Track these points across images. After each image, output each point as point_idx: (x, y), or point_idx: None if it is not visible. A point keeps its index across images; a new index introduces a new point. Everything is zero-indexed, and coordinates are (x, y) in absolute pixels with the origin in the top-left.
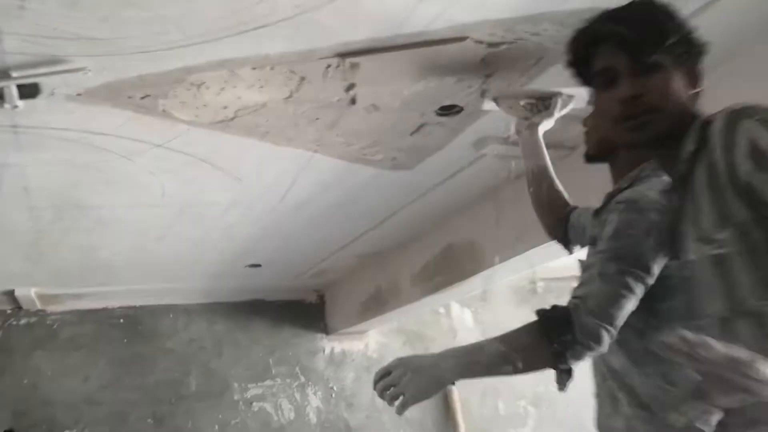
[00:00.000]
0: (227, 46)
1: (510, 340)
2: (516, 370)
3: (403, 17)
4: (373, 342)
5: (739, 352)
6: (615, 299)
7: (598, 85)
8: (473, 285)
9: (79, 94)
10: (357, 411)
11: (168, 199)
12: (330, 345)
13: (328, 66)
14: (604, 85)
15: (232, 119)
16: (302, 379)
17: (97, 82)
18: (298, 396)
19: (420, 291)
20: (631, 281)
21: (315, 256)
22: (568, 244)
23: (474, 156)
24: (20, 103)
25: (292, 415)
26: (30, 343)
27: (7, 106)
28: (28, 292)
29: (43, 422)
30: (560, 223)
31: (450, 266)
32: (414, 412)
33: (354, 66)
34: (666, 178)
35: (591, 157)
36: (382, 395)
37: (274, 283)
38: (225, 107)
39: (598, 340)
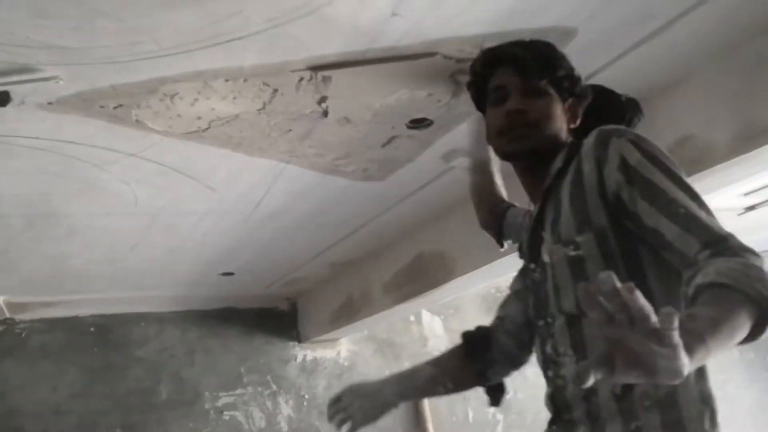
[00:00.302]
0: (201, 58)
1: (440, 363)
2: (448, 391)
3: (375, 32)
4: (345, 350)
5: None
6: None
7: (491, 102)
8: (443, 294)
9: (50, 103)
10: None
11: (141, 208)
12: (302, 353)
13: (301, 79)
14: (495, 101)
15: (206, 130)
16: (274, 387)
17: (69, 91)
18: (269, 404)
19: (391, 299)
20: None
21: (288, 264)
22: (500, 239)
23: (443, 168)
24: None
25: (263, 424)
26: None
27: None
28: None
29: None
30: (495, 218)
31: (420, 275)
32: (386, 420)
33: (326, 79)
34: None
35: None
36: (331, 420)
37: (247, 291)
38: (198, 118)
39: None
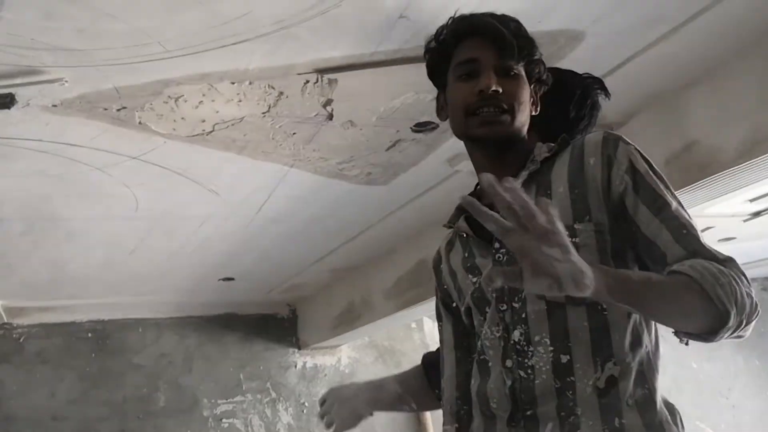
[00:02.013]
0: (206, 60)
1: (404, 382)
2: (412, 410)
3: (382, 34)
4: (346, 357)
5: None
6: None
7: (456, 76)
8: None
9: (54, 105)
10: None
11: (142, 211)
12: (302, 360)
13: (307, 82)
14: (463, 77)
15: (210, 133)
16: (273, 394)
17: (73, 93)
18: (268, 412)
19: (392, 305)
20: None
21: (289, 270)
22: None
23: (448, 172)
24: None
25: None
26: None
27: None
28: None
29: None
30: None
31: (422, 281)
32: (385, 428)
33: (332, 82)
34: None
35: None
36: (321, 421)
37: (247, 297)
38: (203, 121)
39: None
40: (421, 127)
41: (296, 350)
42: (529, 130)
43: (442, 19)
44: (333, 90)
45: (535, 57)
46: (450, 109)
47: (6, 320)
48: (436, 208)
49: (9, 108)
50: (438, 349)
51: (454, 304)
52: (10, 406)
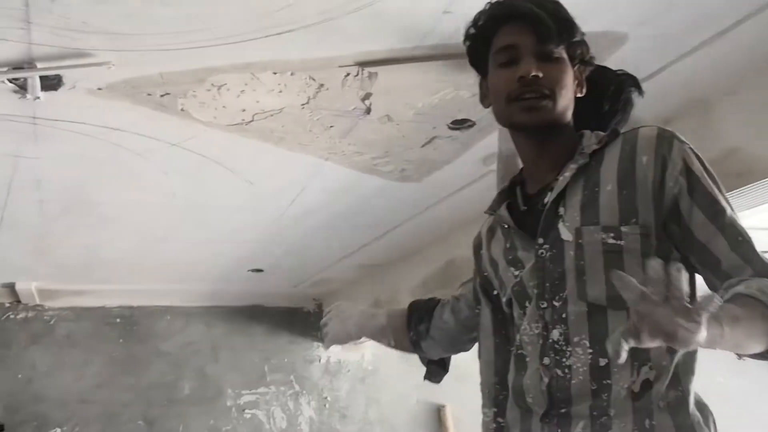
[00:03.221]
0: (251, 49)
1: (391, 318)
2: (390, 346)
3: (425, 29)
4: (369, 354)
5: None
6: None
7: (496, 63)
8: None
9: (99, 89)
10: (350, 423)
11: (177, 199)
12: (326, 354)
13: (347, 74)
14: (504, 62)
15: (249, 123)
16: (296, 387)
17: (118, 77)
18: (291, 405)
19: None
20: None
21: (317, 264)
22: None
23: (482, 171)
24: (42, 94)
25: (284, 424)
26: (26, 337)
27: (29, 96)
28: (29, 286)
29: (35, 419)
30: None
31: (451, 282)
32: (406, 425)
33: (372, 75)
34: None
35: None
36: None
37: (275, 289)
38: (243, 110)
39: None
40: (458, 124)
41: (321, 344)
42: (614, 130)
43: None
44: (373, 84)
45: (576, 38)
46: (492, 97)
47: (38, 302)
48: (469, 208)
49: (56, 90)
50: (430, 298)
51: (495, 292)
52: (39, 387)
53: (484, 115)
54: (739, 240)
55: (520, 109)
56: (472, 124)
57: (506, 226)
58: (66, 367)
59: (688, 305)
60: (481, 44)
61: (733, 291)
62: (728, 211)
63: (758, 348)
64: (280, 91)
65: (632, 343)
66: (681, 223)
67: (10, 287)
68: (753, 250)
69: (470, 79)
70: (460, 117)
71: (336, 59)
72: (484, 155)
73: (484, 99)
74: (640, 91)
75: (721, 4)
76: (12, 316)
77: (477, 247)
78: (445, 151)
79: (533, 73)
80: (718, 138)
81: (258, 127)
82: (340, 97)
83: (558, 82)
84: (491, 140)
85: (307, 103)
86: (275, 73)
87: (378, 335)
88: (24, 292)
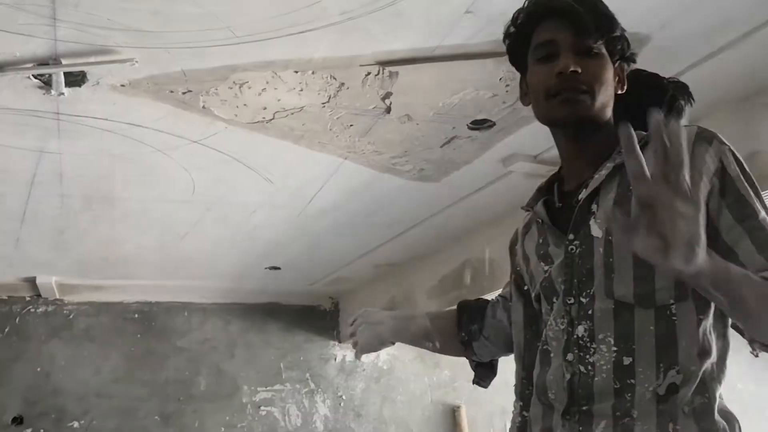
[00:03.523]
0: (273, 48)
1: (435, 319)
2: (435, 349)
3: (447, 29)
4: (385, 353)
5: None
6: None
7: (535, 59)
8: None
9: (123, 85)
10: (364, 422)
11: (198, 195)
12: (342, 353)
13: (368, 73)
14: (542, 58)
15: (270, 121)
16: (312, 385)
17: (142, 74)
18: (306, 402)
19: (434, 304)
20: None
21: (334, 262)
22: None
23: (501, 172)
24: (66, 90)
25: (299, 422)
26: (46, 331)
27: (53, 92)
28: (49, 281)
29: (53, 411)
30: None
31: (466, 282)
32: (421, 426)
33: (393, 75)
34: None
35: None
36: (347, 340)
37: (291, 287)
38: (264, 108)
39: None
40: (478, 124)
41: (336, 343)
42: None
43: (509, 15)
44: (393, 83)
45: (616, 33)
46: (531, 94)
47: (58, 296)
48: (487, 209)
49: (80, 86)
50: (478, 298)
51: (526, 287)
52: (57, 380)
53: (504, 116)
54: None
55: (558, 104)
56: (492, 125)
57: (540, 222)
58: (84, 362)
59: (686, 182)
60: (520, 42)
61: (759, 275)
62: (761, 214)
63: (759, 325)
64: (301, 90)
65: (632, 246)
66: (710, 223)
67: (31, 281)
68: None
69: (491, 79)
70: (480, 117)
71: (357, 58)
72: (504, 156)
73: (525, 97)
74: (689, 99)
75: (745, 7)
76: (32, 310)
77: (513, 243)
78: (464, 151)
79: (571, 69)
80: (741, 140)
81: (278, 126)
82: (360, 97)
83: (597, 78)
84: (511, 141)
85: (328, 101)
86: (296, 72)
87: (420, 339)
88: (44, 286)
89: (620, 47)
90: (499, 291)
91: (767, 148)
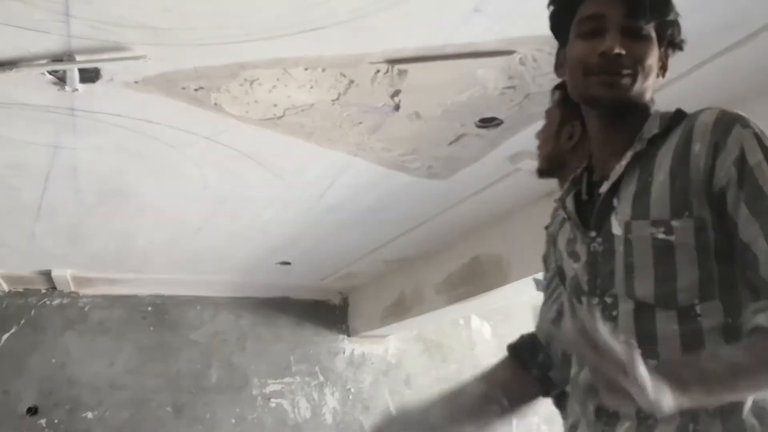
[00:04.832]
0: (284, 45)
1: (491, 377)
2: (504, 410)
3: (455, 26)
4: (393, 347)
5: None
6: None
7: (579, 32)
8: (496, 298)
9: (136, 82)
10: (372, 415)
11: (210, 191)
12: (351, 347)
13: (377, 71)
14: (587, 33)
15: (280, 117)
16: (321, 378)
17: (154, 71)
18: (315, 395)
19: (443, 300)
20: None
21: (344, 258)
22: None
23: (509, 170)
24: (80, 86)
25: (308, 414)
26: (61, 323)
27: (67, 89)
28: (64, 274)
29: (67, 402)
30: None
31: (474, 278)
32: None
33: (402, 72)
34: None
35: (542, 172)
36: None
37: (302, 282)
38: (275, 105)
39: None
40: (486, 122)
41: (345, 337)
42: (677, 111)
43: (517, 13)
44: (402, 81)
45: (670, 17)
46: (569, 67)
47: (73, 289)
48: (495, 206)
49: (94, 82)
50: (520, 335)
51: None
52: (72, 372)
53: (512, 114)
54: None
55: (598, 84)
56: (500, 123)
57: (568, 217)
58: (98, 354)
59: (623, 363)
60: (565, 10)
61: (754, 322)
62: None
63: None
64: (312, 87)
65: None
66: (728, 217)
67: (47, 274)
68: None
69: (499, 77)
70: (488, 115)
71: (366, 56)
72: (511, 153)
73: (559, 68)
74: None
75: (752, 6)
76: (48, 303)
77: (552, 235)
78: (472, 148)
79: (616, 51)
80: None
81: (289, 122)
82: (369, 94)
83: (641, 62)
84: (518, 139)
85: (338, 99)
86: (306, 69)
87: (480, 409)
88: (60, 279)
89: (671, 32)
90: (505, 286)
91: None
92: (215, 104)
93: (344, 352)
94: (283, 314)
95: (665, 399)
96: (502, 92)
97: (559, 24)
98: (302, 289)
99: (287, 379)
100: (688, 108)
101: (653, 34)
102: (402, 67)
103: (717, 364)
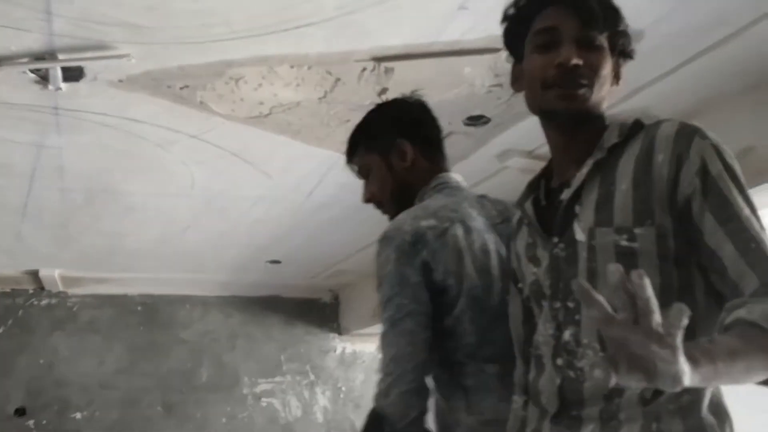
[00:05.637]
0: (269, 43)
1: None
2: None
3: (442, 24)
4: None
5: None
6: None
7: (534, 46)
8: None
9: (120, 81)
10: (363, 413)
11: (197, 190)
12: (342, 345)
13: (364, 69)
14: (543, 47)
15: (267, 115)
16: (312, 377)
17: (139, 69)
18: (306, 394)
19: None
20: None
21: (334, 256)
22: None
23: (497, 168)
24: (63, 85)
25: (299, 413)
26: (49, 323)
27: (50, 87)
28: (52, 273)
29: (56, 403)
30: None
31: None
32: None
33: (389, 70)
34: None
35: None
36: None
37: (292, 280)
38: (261, 103)
39: None
40: (473, 120)
41: (336, 335)
42: (636, 121)
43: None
44: (389, 79)
45: (620, 28)
46: (526, 81)
47: (61, 289)
48: None
49: (78, 81)
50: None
51: (519, 285)
52: (61, 372)
53: (500, 112)
54: (752, 246)
55: (556, 97)
56: (488, 121)
57: (528, 222)
58: (88, 353)
59: (659, 327)
60: (519, 25)
61: (734, 316)
62: (743, 214)
63: (758, 380)
64: (298, 85)
65: (615, 379)
66: (693, 226)
67: (34, 274)
68: (763, 257)
69: (486, 75)
70: (475, 113)
71: (352, 54)
72: (499, 151)
73: (516, 82)
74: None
75: (738, 3)
76: (35, 303)
77: (509, 238)
78: (460, 147)
79: (573, 62)
80: (735, 136)
81: (276, 120)
82: (356, 92)
83: (597, 72)
84: (506, 137)
85: (324, 97)
86: (293, 67)
87: None
88: (47, 278)
89: (622, 42)
90: None
91: (760, 143)
92: (201, 102)
93: (335, 351)
94: (274, 313)
95: (687, 373)
96: (489, 90)
97: (514, 39)
98: (292, 287)
99: (278, 378)
100: (671, 107)
101: (606, 45)
102: (389, 64)
103: (716, 347)
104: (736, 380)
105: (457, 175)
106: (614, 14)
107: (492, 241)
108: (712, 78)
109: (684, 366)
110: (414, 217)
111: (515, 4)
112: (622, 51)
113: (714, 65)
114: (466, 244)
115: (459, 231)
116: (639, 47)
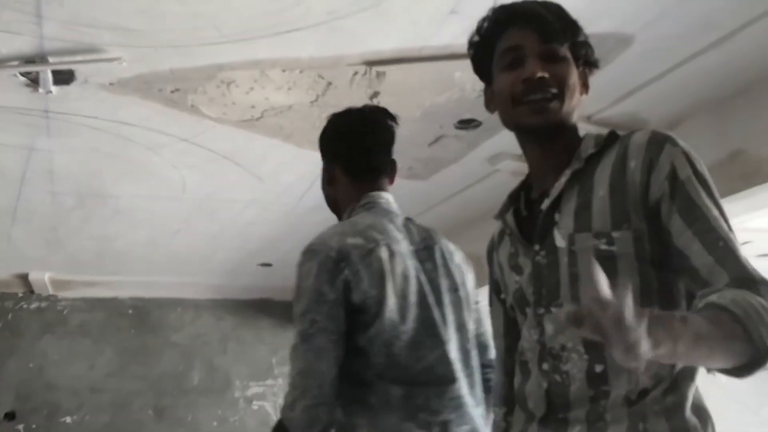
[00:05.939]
0: (260, 47)
1: None
2: None
3: (433, 29)
4: None
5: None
6: None
7: (501, 66)
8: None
9: (111, 84)
10: None
11: (188, 193)
12: None
13: (356, 73)
14: (509, 65)
15: (258, 119)
16: None
17: (130, 73)
18: None
19: None
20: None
21: None
22: None
23: (488, 171)
24: (54, 88)
25: None
26: (39, 327)
27: (41, 90)
28: (42, 277)
29: (46, 407)
30: None
31: None
32: None
33: (380, 74)
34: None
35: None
36: None
37: (283, 283)
38: (252, 107)
39: None
40: (465, 124)
41: None
42: (611, 132)
43: None
44: (381, 83)
45: (580, 38)
46: (497, 101)
47: (51, 292)
48: (475, 206)
49: (68, 84)
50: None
51: (502, 296)
52: (51, 376)
53: (491, 116)
54: (720, 245)
55: (528, 111)
56: (479, 124)
57: (509, 232)
58: (78, 357)
59: (628, 326)
60: (485, 50)
61: (705, 301)
62: (711, 214)
63: (721, 365)
64: (289, 89)
65: (569, 327)
66: (662, 227)
67: (23, 278)
68: (731, 254)
69: (477, 79)
70: (466, 117)
71: (344, 58)
72: (490, 155)
73: (490, 104)
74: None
75: (727, 8)
76: (25, 306)
77: (490, 251)
78: (451, 150)
79: (539, 74)
80: (724, 140)
81: (267, 124)
82: (348, 96)
83: (564, 81)
84: (497, 140)
85: (316, 100)
86: (284, 71)
87: None
88: (37, 282)
89: (584, 52)
90: (485, 287)
91: (749, 147)
92: (192, 106)
93: None
94: (265, 316)
95: (646, 352)
96: (480, 94)
97: (482, 63)
98: (284, 290)
99: (269, 381)
100: (660, 111)
101: (569, 55)
102: (380, 68)
103: (686, 328)
104: (696, 360)
105: (388, 194)
106: (572, 26)
107: (413, 267)
108: (701, 82)
109: (642, 355)
110: (341, 234)
111: (478, 32)
112: (587, 60)
113: (703, 69)
114: (390, 268)
115: (384, 254)
116: (628, 52)
